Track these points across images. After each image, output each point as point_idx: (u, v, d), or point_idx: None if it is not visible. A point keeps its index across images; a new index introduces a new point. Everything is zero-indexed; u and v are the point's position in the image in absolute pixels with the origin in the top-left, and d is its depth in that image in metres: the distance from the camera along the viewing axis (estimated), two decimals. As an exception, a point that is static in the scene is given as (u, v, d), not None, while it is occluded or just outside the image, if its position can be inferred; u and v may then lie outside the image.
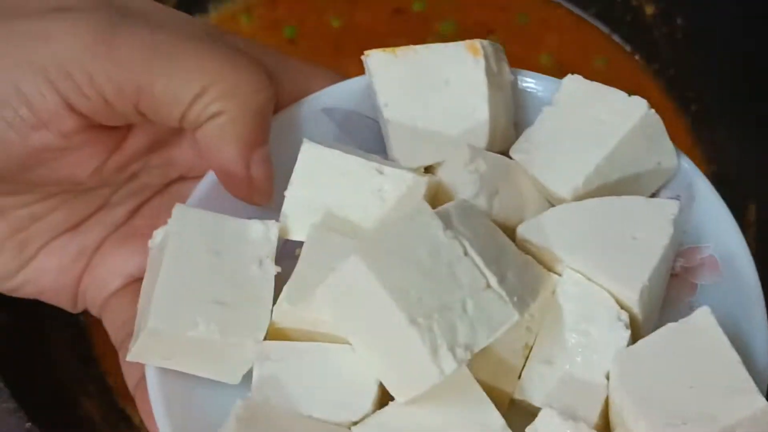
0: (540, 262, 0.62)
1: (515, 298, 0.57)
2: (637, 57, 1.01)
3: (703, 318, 0.58)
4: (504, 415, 0.58)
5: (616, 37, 1.02)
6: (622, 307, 0.60)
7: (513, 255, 0.60)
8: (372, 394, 0.58)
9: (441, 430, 0.58)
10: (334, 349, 0.59)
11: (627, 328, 0.59)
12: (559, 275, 0.61)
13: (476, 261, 0.57)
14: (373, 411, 0.59)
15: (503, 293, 0.57)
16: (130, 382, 0.65)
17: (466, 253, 0.57)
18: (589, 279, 0.60)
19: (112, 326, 0.68)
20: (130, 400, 0.85)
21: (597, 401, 0.59)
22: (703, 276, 0.64)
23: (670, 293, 0.64)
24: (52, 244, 0.68)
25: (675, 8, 0.96)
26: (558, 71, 0.95)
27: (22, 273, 0.69)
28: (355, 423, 0.58)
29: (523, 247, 0.62)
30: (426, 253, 0.56)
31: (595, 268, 0.60)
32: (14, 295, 0.70)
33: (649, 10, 0.99)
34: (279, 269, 0.61)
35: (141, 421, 0.85)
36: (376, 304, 0.55)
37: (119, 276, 0.68)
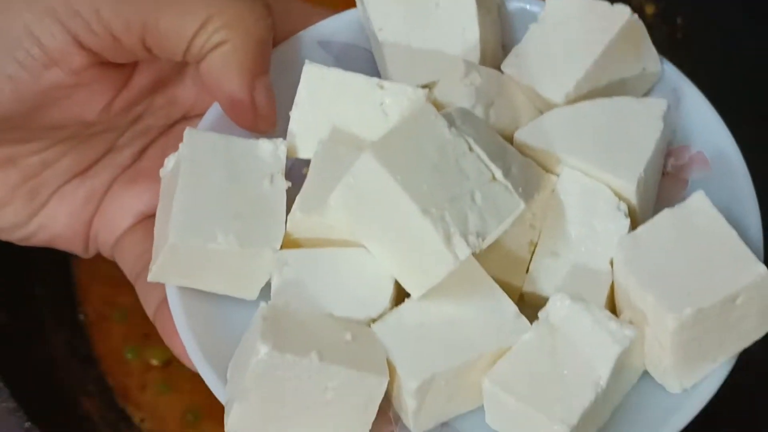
0: (538, 164, 0.64)
1: (520, 189, 0.60)
2: (637, 57, 1.02)
3: (698, 200, 0.61)
4: (515, 309, 0.61)
5: (616, 37, 1.03)
6: (621, 198, 0.63)
7: (514, 154, 0.63)
8: (389, 291, 0.61)
9: (456, 321, 0.60)
10: (350, 252, 0.62)
11: (626, 217, 0.62)
12: (557, 176, 0.64)
13: (481, 156, 0.60)
14: (391, 308, 0.61)
15: (509, 185, 0.59)
16: (150, 309, 0.67)
17: (470, 149, 0.59)
18: (587, 175, 0.63)
19: (126, 262, 0.70)
20: (130, 400, 0.88)
21: (603, 287, 0.61)
22: (693, 171, 0.67)
23: (663, 192, 0.67)
24: (63, 190, 0.70)
25: (675, 8, 0.96)
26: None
27: (35, 220, 0.70)
28: (374, 320, 0.61)
29: (521, 151, 0.64)
30: (433, 149, 0.59)
31: (593, 164, 0.63)
32: (27, 243, 0.72)
33: (649, 10, 1.00)
34: (290, 184, 0.64)
35: (141, 420, 0.87)
36: (389, 199, 0.58)
37: (130, 215, 0.70)
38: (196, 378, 0.85)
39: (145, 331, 0.90)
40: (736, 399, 0.76)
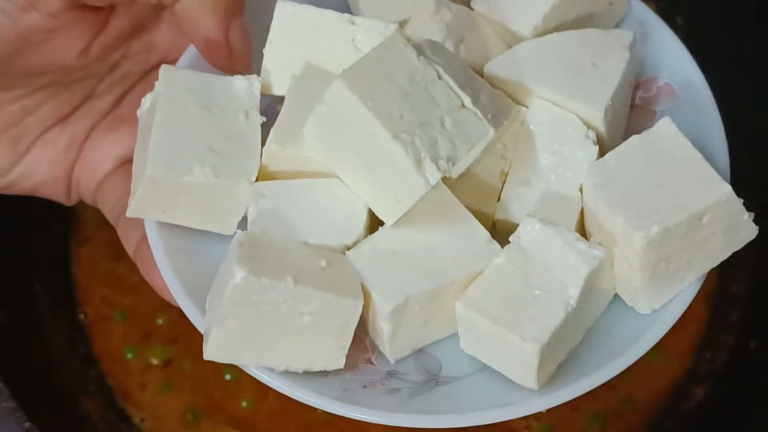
0: (508, 96, 0.65)
1: (489, 116, 0.61)
2: (637, 56, 1.02)
3: (665, 126, 0.62)
4: (487, 237, 0.62)
5: (616, 37, 1.03)
6: (590, 127, 0.64)
7: (483, 84, 0.64)
8: (362, 219, 0.62)
9: (429, 247, 0.61)
10: (324, 183, 0.63)
11: (595, 144, 0.63)
12: (527, 107, 0.65)
13: (450, 84, 0.61)
14: (365, 236, 0.62)
15: (478, 111, 0.60)
16: (130, 247, 0.68)
17: (440, 77, 0.61)
18: (556, 105, 0.64)
19: (107, 205, 0.71)
20: (130, 400, 0.88)
21: (573, 212, 0.63)
22: (661, 102, 0.68)
23: (632, 123, 0.68)
24: (44, 137, 0.71)
25: (675, 8, 0.96)
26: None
27: (17, 168, 0.71)
28: (349, 248, 0.62)
29: (492, 83, 0.65)
30: (403, 76, 0.60)
31: (562, 93, 0.64)
32: (9, 192, 0.73)
33: None
34: (264, 119, 0.65)
35: (141, 420, 0.88)
36: (360, 126, 0.59)
37: (110, 159, 0.71)
38: (196, 377, 0.88)
39: (145, 331, 0.91)
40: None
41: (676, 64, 0.68)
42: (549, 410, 0.82)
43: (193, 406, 0.88)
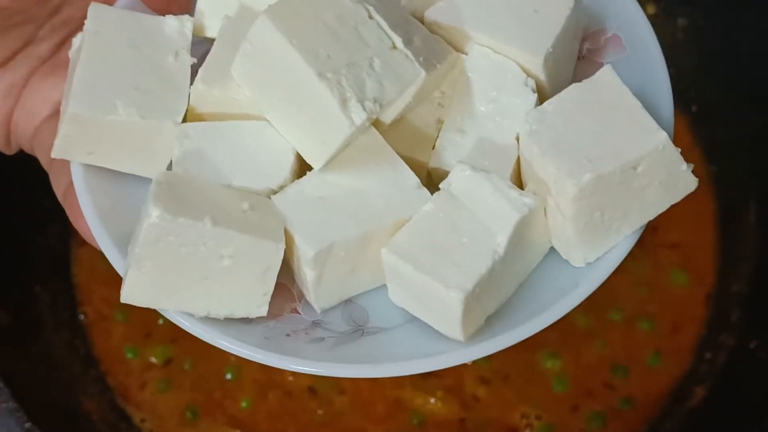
0: (449, 44, 0.63)
1: (421, 59, 0.59)
2: (637, 56, 1.01)
3: (605, 74, 0.60)
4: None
5: (616, 37, 1.02)
6: (529, 75, 0.62)
7: (418, 27, 0.62)
8: (289, 162, 0.60)
9: (357, 192, 0.60)
10: (252, 125, 0.61)
11: (534, 92, 0.61)
12: (467, 54, 0.63)
13: (381, 24, 0.59)
14: (292, 180, 0.60)
15: (409, 53, 0.58)
16: (59, 191, 0.67)
17: (371, 17, 0.59)
18: (496, 52, 0.62)
19: (42, 151, 0.69)
20: (130, 400, 0.88)
21: (509, 160, 0.61)
22: (609, 54, 0.66)
23: (579, 75, 0.65)
24: None
25: (675, 8, 0.96)
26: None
27: None
28: (276, 192, 0.60)
29: (432, 30, 0.63)
30: (332, 15, 0.58)
31: (501, 40, 0.62)
32: None
33: (650, 10, 0.99)
34: (194, 60, 0.63)
35: (141, 420, 0.87)
36: (285, 65, 0.57)
37: (48, 104, 0.70)
38: (196, 377, 0.88)
39: (146, 331, 0.90)
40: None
41: (625, 15, 0.66)
42: (549, 410, 0.86)
43: (192, 405, 0.88)
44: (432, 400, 0.86)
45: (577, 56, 0.66)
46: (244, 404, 0.87)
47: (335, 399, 0.86)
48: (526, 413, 0.86)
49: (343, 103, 0.56)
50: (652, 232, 0.90)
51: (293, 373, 0.86)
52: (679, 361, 0.88)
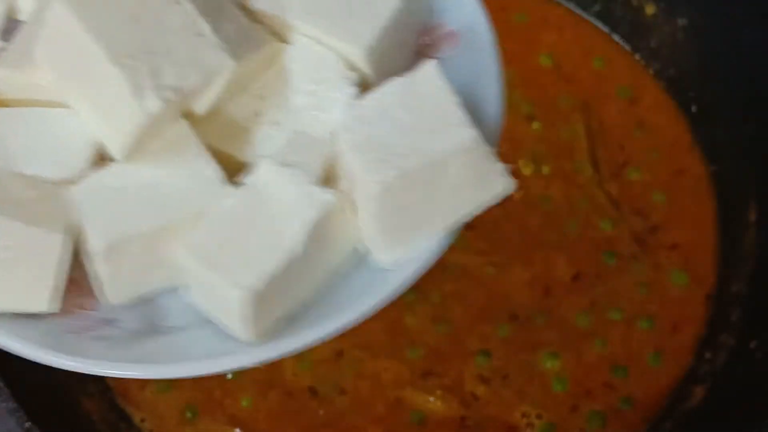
0: (273, 34, 0.61)
1: (231, 47, 0.56)
2: (637, 57, 0.99)
3: (427, 69, 0.58)
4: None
5: (616, 37, 1.01)
6: (354, 68, 0.60)
7: (233, 15, 0.60)
8: (87, 152, 0.58)
9: (158, 185, 0.57)
10: (54, 112, 0.59)
11: (354, 85, 0.59)
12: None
13: (189, 10, 0.56)
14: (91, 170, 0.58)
15: (217, 41, 0.56)
16: None
17: (177, 2, 0.56)
18: (319, 43, 0.60)
19: None
20: (130, 400, 0.87)
21: (320, 155, 0.58)
22: (443, 49, 0.64)
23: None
24: None
25: (675, 8, 0.95)
26: (557, 71, 0.96)
27: None
28: (73, 183, 0.58)
29: (257, 20, 0.61)
30: (134, 1, 0.56)
31: (325, 31, 0.60)
32: None
33: (649, 10, 0.99)
34: (4, 44, 0.61)
35: (141, 420, 0.87)
36: (82, 50, 0.55)
37: None
38: None
39: None
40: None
41: (462, 10, 0.64)
42: (549, 409, 0.85)
43: (192, 404, 0.87)
44: (431, 399, 0.86)
45: (415, 51, 0.64)
46: (244, 403, 0.86)
47: (336, 399, 0.86)
48: (526, 412, 0.86)
49: (138, 90, 0.54)
50: (652, 232, 0.90)
51: (294, 373, 0.86)
52: (679, 361, 0.87)
